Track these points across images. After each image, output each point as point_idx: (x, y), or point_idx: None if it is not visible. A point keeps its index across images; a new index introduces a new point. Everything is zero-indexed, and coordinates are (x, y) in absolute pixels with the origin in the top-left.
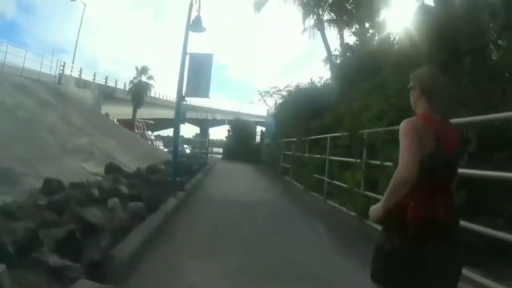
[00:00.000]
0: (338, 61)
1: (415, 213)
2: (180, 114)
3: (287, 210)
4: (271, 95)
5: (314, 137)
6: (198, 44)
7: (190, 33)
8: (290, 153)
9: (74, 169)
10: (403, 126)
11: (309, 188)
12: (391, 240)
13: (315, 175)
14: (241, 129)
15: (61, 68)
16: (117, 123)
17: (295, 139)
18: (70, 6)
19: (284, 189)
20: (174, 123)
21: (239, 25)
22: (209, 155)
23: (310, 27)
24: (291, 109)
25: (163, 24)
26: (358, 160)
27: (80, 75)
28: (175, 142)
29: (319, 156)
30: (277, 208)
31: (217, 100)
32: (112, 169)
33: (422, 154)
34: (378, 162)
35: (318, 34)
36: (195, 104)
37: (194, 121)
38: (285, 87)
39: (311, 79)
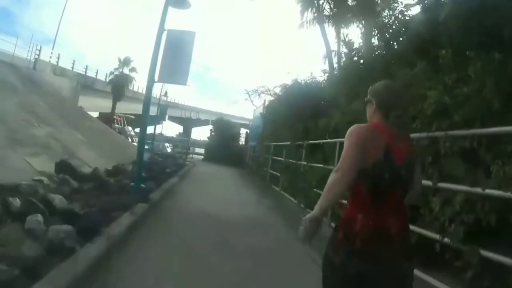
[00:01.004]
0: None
1: (363, 225)
2: (161, 111)
3: (283, 239)
4: (259, 95)
5: (315, 142)
6: None
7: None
8: (280, 159)
9: (17, 165)
10: (350, 130)
11: (306, 204)
12: (339, 252)
13: (315, 189)
14: (224, 129)
15: (37, 52)
16: (92, 115)
17: (288, 143)
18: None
19: (274, 203)
20: (142, 114)
21: (228, 23)
22: (190, 155)
23: (308, 22)
24: (285, 108)
25: (154, 18)
26: None
27: (57, 62)
28: (141, 138)
29: (321, 166)
30: (270, 235)
31: (202, 101)
32: (63, 168)
33: (368, 162)
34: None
35: (316, 30)
36: (179, 102)
37: (177, 120)
38: (275, 87)
39: (311, 73)
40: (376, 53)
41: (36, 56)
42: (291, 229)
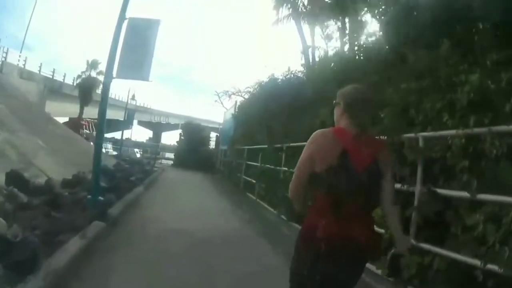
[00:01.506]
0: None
1: (325, 231)
2: (128, 115)
3: (270, 263)
4: (229, 96)
5: (297, 144)
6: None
7: None
8: (256, 164)
9: None
10: (310, 138)
11: (288, 215)
12: (302, 257)
13: None
14: (194, 133)
15: (4, 55)
16: (58, 120)
17: (264, 146)
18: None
19: (251, 214)
20: (98, 115)
21: (201, 24)
22: (159, 161)
23: (283, 18)
24: (261, 107)
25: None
26: (404, 187)
27: (24, 65)
28: (97, 144)
29: None
30: (253, 257)
31: (176, 104)
32: (14, 179)
33: (322, 166)
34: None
35: (292, 28)
36: (149, 106)
37: (146, 124)
38: (246, 88)
39: (289, 68)
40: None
41: (3, 59)
42: (272, 243)
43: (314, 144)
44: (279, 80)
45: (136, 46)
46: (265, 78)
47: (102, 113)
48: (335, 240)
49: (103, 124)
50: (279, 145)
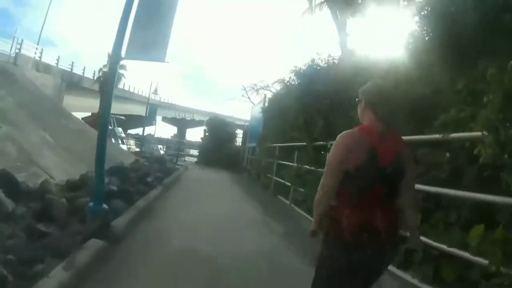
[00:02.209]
0: None
1: (351, 220)
2: (150, 110)
3: None
4: (257, 91)
5: None
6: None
7: None
8: (290, 164)
9: None
10: (336, 140)
11: None
12: (330, 247)
13: None
14: (219, 128)
15: (18, 47)
16: (74, 115)
17: (302, 143)
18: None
19: (287, 225)
20: (104, 103)
21: (224, 18)
22: (184, 158)
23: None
24: (296, 99)
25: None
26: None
27: (40, 57)
28: (100, 139)
29: None
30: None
31: (197, 102)
32: (2, 180)
33: (353, 165)
34: None
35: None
36: (173, 102)
37: (171, 121)
38: (274, 82)
39: (329, 55)
40: None
41: (17, 51)
42: None
43: (343, 147)
44: (320, 67)
45: (150, 22)
46: (300, 66)
47: (107, 102)
48: (363, 232)
49: (108, 115)
50: (320, 143)
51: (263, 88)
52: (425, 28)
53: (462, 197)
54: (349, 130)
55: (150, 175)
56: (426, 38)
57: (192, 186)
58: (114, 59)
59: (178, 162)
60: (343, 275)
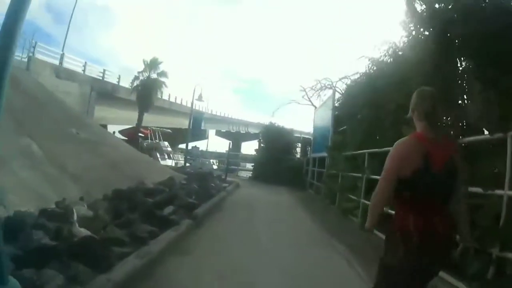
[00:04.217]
0: None
1: (416, 225)
2: (195, 118)
3: None
4: (318, 92)
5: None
6: (233, 59)
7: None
8: None
9: None
10: (393, 148)
11: None
12: (394, 252)
13: None
14: (276, 138)
15: (32, 50)
16: (95, 124)
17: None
18: (103, 17)
19: None
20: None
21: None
22: (236, 173)
23: None
24: (395, 87)
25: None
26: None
27: (61, 62)
28: None
29: None
30: None
31: (250, 115)
32: None
33: (408, 171)
34: None
35: None
36: (225, 115)
37: (225, 134)
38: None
39: None
40: None
41: (31, 54)
42: None
43: (399, 155)
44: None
45: None
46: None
47: None
48: (424, 235)
49: None
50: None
51: (326, 87)
52: None
53: None
54: (405, 137)
55: (174, 202)
56: None
57: (238, 219)
58: None
59: (228, 178)
60: (404, 279)
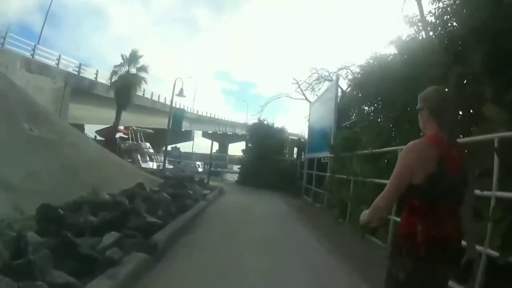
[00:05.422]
0: None
1: (425, 234)
2: (175, 115)
3: None
4: (312, 84)
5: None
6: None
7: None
8: None
9: None
10: (404, 150)
11: None
12: (407, 262)
13: None
14: (265, 137)
15: (1, 41)
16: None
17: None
18: (94, 20)
19: None
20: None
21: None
22: (221, 177)
23: None
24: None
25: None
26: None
27: (32, 55)
28: None
29: None
30: None
31: (238, 117)
32: None
33: (421, 177)
34: None
35: None
36: (212, 116)
37: (212, 136)
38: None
39: None
40: None
41: (0, 46)
42: None
43: (411, 158)
44: None
45: None
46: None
47: None
48: (434, 244)
49: None
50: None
51: (323, 78)
52: None
53: None
54: (417, 140)
55: (128, 222)
56: None
57: (216, 247)
58: None
59: (212, 183)
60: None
